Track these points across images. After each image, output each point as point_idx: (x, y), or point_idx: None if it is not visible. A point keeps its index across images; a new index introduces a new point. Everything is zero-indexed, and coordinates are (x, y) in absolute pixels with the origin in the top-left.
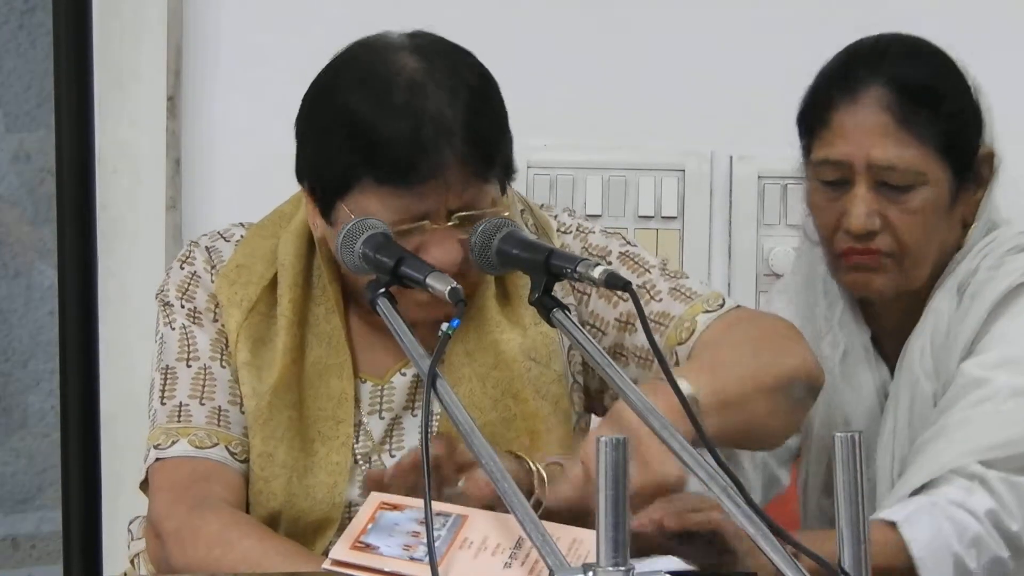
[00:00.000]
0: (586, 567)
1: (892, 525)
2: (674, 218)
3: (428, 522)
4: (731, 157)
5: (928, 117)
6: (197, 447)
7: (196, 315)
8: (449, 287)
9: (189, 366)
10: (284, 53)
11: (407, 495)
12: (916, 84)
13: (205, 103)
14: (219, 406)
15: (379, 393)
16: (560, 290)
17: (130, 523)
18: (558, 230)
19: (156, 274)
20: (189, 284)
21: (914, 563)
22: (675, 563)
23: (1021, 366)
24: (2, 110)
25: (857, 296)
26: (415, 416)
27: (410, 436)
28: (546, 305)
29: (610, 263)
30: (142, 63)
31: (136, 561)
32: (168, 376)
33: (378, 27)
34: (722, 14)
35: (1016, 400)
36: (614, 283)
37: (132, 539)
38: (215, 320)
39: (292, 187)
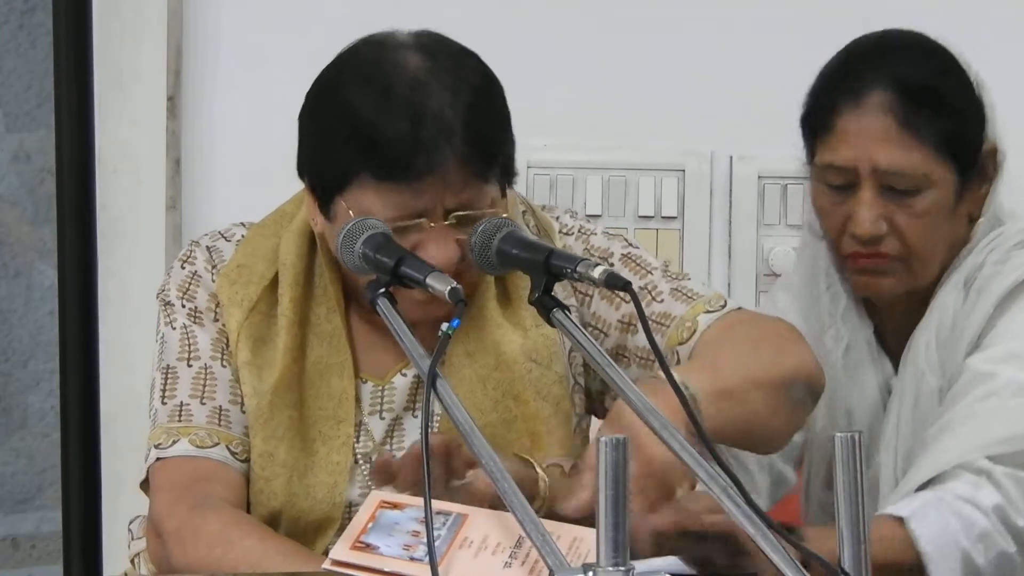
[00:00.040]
0: (586, 567)
1: (900, 520)
2: (674, 218)
3: (428, 522)
4: (731, 157)
5: (932, 119)
6: (198, 447)
7: (197, 315)
8: (449, 287)
9: (190, 366)
10: (284, 53)
11: (414, 485)
12: (919, 86)
13: (205, 103)
14: (220, 406)
15: (380, 393)
16: (562, 292)
17: (130, 522)
18: (560, 231)
19: (156, 274)
20: (190, 284)
21: (922, 558)
22: (675, 563)
23: None
24: (2, 110)
25: (863, 296)
26: (416, 417)
27: (411, 437)
28: (546, 305)
29: (612, 264)
30: (142, 63)
31: (136, 561)
32: (169, 376)
33: (378, 27)
34: (722, 14)
35: (1022, 395)
36: (614, 283)
37: (132, 539)
38: (216, 320)
39: (292, 187)
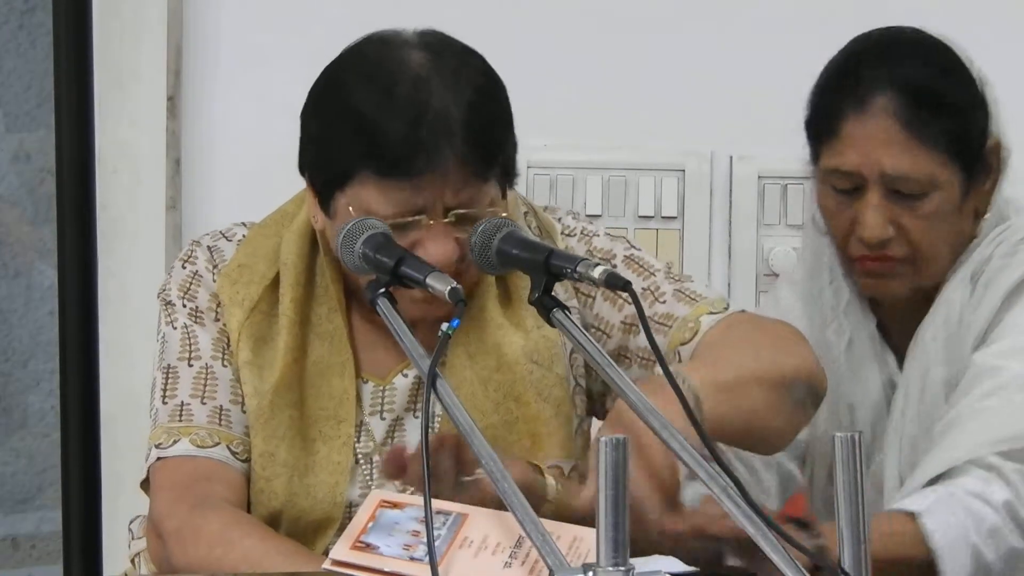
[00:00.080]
0: (586, 567)
1: (911, 515)
2: (674, 218)
3: (428, 522)
4: (731, 157)
5: (937, 122)
6: (198, 446)
7: (198, 314)
8: (449, 287)
9: (191, 365)
10: (284, 53)
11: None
12: (924, 89)
13: (205, 103)
14: (220, 405)
15: (380, 394)
16: (564, 293)
17: (131, 522)
18: (562, 233)
19: (156, 274)
20: (191, 283)
21: (933, 554)
22: (675, 563)
23: None
24: (2, 110)
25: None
26: (417, 417)
27: (411, 437)
28: (546, 305)
29: (615, 266)
30: (142, 63)
31: (137, 560)
32: (170, 375)
33: (378, 27)
34: (722, 14)
35: None
36: (614, 283)
37: (133, 538)
38: (217, 319)
39: (292, 187)
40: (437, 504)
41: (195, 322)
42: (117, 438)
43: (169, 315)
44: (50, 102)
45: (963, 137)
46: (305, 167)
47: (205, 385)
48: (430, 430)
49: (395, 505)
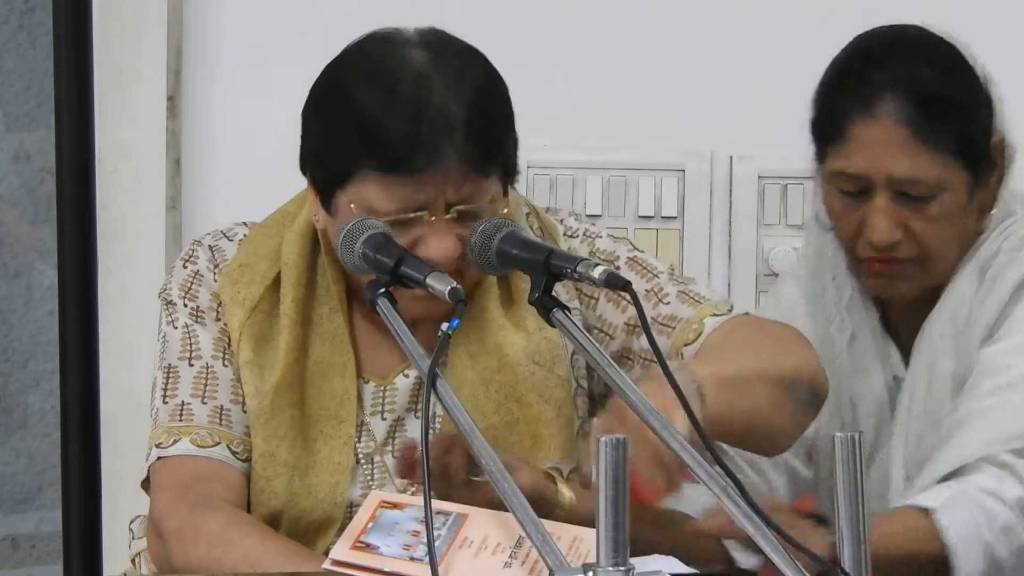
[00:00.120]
0: (586, 567)
1: (925, 511)
2: (674, 218)
3: (428, 522)
4: (731, 157)
5: (945, 125)
6: (199, 446)
7: (199, 314)
8: (449, 287)
9: (191, 365)
10: (284, 53)
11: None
12: (930, 92)
13: (205, 103)
14: (221, 405)
15: (381, 394)
16: (566, 294)
17: (131, 522)
18: (565, 234)
19: (156, 274)
20: (192, 283)
21: (948, 550)
22: (675, 563)
23: None
24: (2, 110)
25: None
26: (418, 418)
27: (413, 437)
28: (546, 305)
29: (618, 268)
30: (142, 63)
31: (137, 560)
32: (170, 375)
33: (379, 27)
34: (722, 14)
35: None
36: (614, 283)
37: (133, 538)
38: (218, 319)
39: (293, 187)
40: (437, 504)
41: (196, 322)
42: (117, 438)
43: (170, 314)
44: (50, 102)
45: (969, 137)
46: (306, 166)
47: (206, 385)
48: (432, 430)
49: (395, 505)
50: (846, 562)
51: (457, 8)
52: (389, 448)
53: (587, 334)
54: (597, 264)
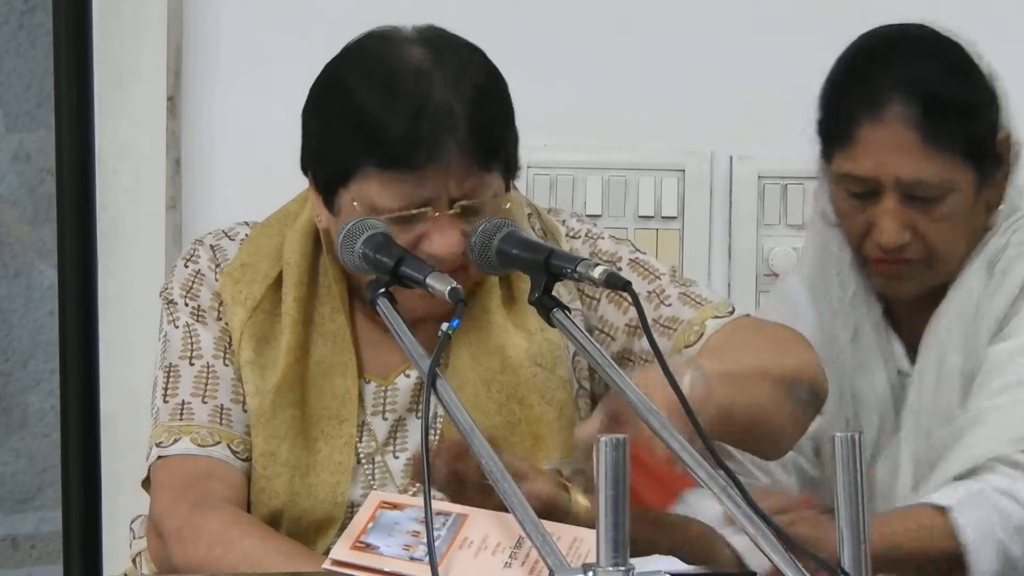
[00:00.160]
0: (586, 567)
1: (940, 509)
2: (674, 218)
3: (428, 522)
4: (731, 157)
5: (953, 127)
6: (199, 445)
7: (200, 313)
8: (449, 287)
9: (192, 364)
10: (284, 53)
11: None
12: (938, 94)
13: (205, 103)
14: (221, 404)
15: (383, 394)
16: (568, 296)
17: (132, 522)
18: (567, 235)
19: (156, 274)
20: (193, 282)
21: (964, 548)
22: (675, 563)
23: None
24: (2, 110)
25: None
26: (419, 418)
27: (414, 438)
28: (546, 305)
29: (620, 269)
30: (142, 63)
31: (138, 560)
32: (171, 374)
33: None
34: (722, 14)
35: None
36: (614, 283)
37: (134, 538)
38: (219, 318)
39: (293, 187)
40: (437, 505)
41: (197, 321)
42: (117, 438)
43: (171, 314)
44: (50, 102)
45: (977, 137)
46: (308, 166)
47: (206, 384)
48: (433, 431)
49: (395, 505)
50: (846, 562)
51: (457, 8)
52: (390, 448)
53: (587, 334)
54: (597, 264)
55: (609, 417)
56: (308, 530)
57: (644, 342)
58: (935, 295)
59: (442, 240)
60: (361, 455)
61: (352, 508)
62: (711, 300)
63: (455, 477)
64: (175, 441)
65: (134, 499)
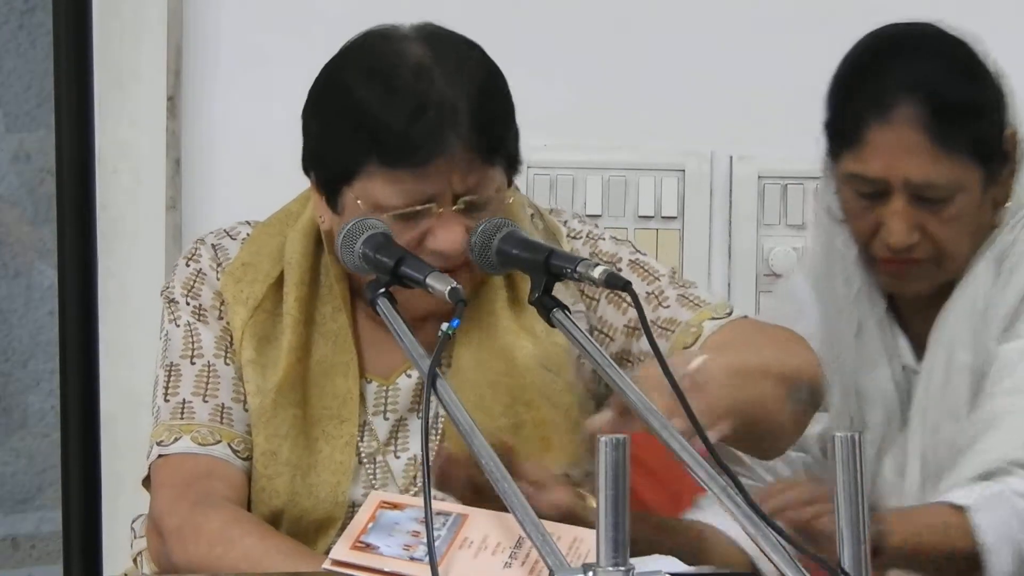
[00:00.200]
0: (586, 567)
1: (959, 509)
2: (674, 218)
3: (428, 522)
4: (731, 157)
5: (962, 129)
6: (200, 444)
7: (201, 312)
8: (449, 287)
9: (193, 363)
10: (284, 53)
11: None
12: (947, 96)
13: (205, 103)
14: (222, 403)
15: (384, 394)
16: (569, 297)
17: (133, 521)
18: (568, 235)
19: (156, 274)
20: (195, 281)
21: (981, 548)
22: (675, 563)
23: None
24: (2, 110)
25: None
26: (420, 418)
27: (415, 438)
28: (546, 305)
29: (620, 270)
30: (142, 63)
31: (139, 559)
32: (172, 373)
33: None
34: (722, 14)
35: None
36: (614, 283)
37: (135, 537)
38: (220, 318)
39: (293, 187)
40: (437, 505)
41: (198, 320)
42: (117, 438)
43: (172, 313)
44: (50, 102)
45: (985, 137)
46: (310, 166)
47: (207, 383)
48: (434, 431)
49: (395, 505)
50: (846, 562)
51: (457, 8)
52: (392, 448)
53: (587, 334)
54: (597, 264)
55: (619, 411)
56: (309, 530)
57: (642, 343)
58: (942, 291)
59: (446, 236)
60: (363, 455)
61: (353, 508)
62: (709, 302)
63: (475, 487)
64: (176, 440)
65: (134, 499)
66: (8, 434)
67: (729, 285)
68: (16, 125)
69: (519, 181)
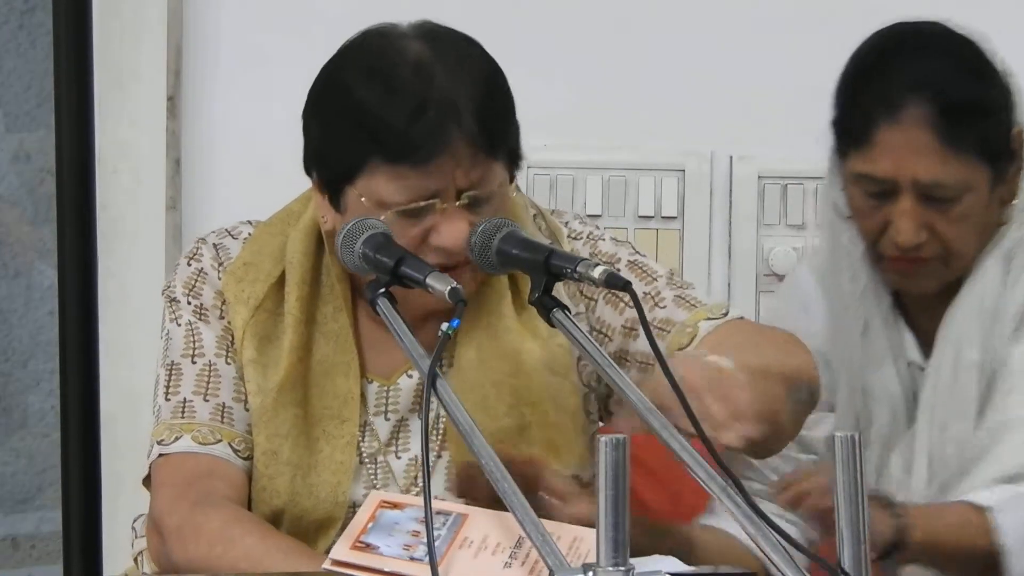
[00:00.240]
0: (586, 567)
1: (980, 509)
2: (674, 218)
3: (428, 522)
4: (731, 157)
5: (970, 129)
6: (200, 443)
7: (202, 312)
8: (449, 287)
9: (194, 362)
10: (284, 53)
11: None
12: (957, 97)
13: (205, 103)
14: (223, 403)
15: (385, 394)
16: (569, 298)
17: (134, 521)
18: (569, 236)
19: (156, 274)
20: (196, 281)
21: (1002, 548)
22: (675, 563)
23: None
24: (2, 110)
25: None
26: (421, 419)
27: (416, 438)
28: (546, 305)
29: (618, 270)
30: (142, 63)
31: (140, 559)
32: (173, 372)
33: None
34: (722, 14)
35: None
36: (614, 283)
37: (136, 537)
38: (221, 317)
39: (292, 187)
40: (437, 504)
41: (200, 319)
42: (117, 438)
43: (174, 312)
44: (50, 102)
45: (993, 136)
46: (311, 166)
47: (208, 382)
48: (435, 431)
49: (395, 505)
50: (846, 562)
51: (457, 8)
52: (393, 448)
53: (587, 334)
54: (597, 264)
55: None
56: (309, 529)
57: (639, 343)
58: (949, 288)
59: (450, 231)
60: (364, 455)
61: (353, 508)
62: (705, 303)
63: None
64: (176, 439)
65: (134, 499)
66: (8, 434)
67: (729, 285)
68: (16, 125)
69: (519, 182)
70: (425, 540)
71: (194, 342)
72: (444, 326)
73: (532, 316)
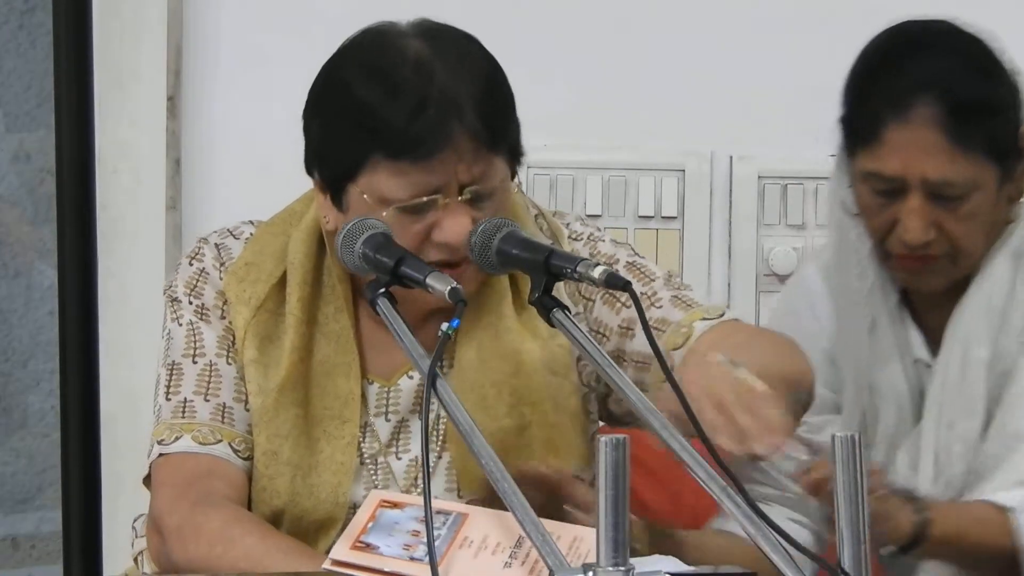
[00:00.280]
0: (586, 567)
1: (1002, 509)
2: (674, 218)
3: (428, 522)
4: (731, 157)
5: (979, 128)
6: (200, 443)
7: (204, 311)
8: (449, 287)
9: (195, 362)
10: (284, 53)
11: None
12: (966, 96)
13: (205, 103)
14: (224, 403)
15: (385, 395)
16: (568, 298)
17: (134, 521)
18: (569, 237)
19: (156, 274)
20: (198, 280)
21: (1021, 549)
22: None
23: None
24: (2, 110)
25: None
26: (421, 420)
27: (416, 439)
28: (546, 305)
29: (617, 271)
30: (142, 63)
31: (140, 559)
32: (174, 372)
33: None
34: (722, 14)
35: None
36: (614, 283)
37: (136, 537)
38: (223, 317)
39: (292, 187)
40: (437, 504)
41: (201, 319)
42: (117, 438)
43: (175, 311)
44: (50, 102)
45: (1001, 135)
46: (313, 166)
47: (209, 382)
48: (436, 431)
49: (395, 505)
50: (846, 562)
51: (457, 8)
52: (393, 449)
53: (587, 334)
54: (597, 264)
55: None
56: (309, 530)
57: (636, 343)
58: (956, 286)
59: (453, 227)
60: (365, 456)
61: (354, 508)
62: (702, 304)
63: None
64: (177, 439)
65: (134, 499)
66: (8, 434)
67: (729, 285)
68: (16, 125)
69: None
70: (425, 540)
71: (195, 342)
72: (444, 326)
73: (532, 316)
